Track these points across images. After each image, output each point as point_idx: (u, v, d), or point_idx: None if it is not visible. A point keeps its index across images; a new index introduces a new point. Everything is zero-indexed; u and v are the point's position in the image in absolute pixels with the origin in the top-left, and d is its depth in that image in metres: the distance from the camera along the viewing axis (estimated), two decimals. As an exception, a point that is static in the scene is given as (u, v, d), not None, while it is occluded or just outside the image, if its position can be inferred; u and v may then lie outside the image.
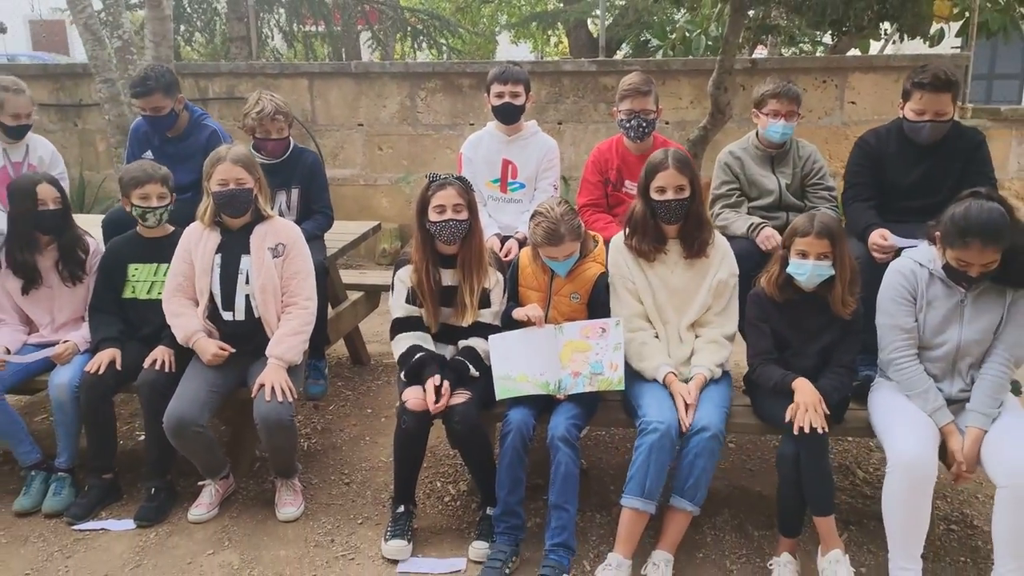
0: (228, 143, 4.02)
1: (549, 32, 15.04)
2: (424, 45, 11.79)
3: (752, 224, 3.46)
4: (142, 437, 3.90)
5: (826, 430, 2.68)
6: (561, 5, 14.07)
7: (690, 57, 7.87)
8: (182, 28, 11.17)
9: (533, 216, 3.00)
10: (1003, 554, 2.56)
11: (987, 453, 2.65)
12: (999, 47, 11.64)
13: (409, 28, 11.54)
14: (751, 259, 3.27)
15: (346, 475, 3.58)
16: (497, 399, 2.95)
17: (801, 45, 10.16)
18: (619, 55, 11.35)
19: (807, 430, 2.65)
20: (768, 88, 3.56)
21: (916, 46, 7.75)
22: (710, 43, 8.54)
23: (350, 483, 3.52)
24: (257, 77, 7.43)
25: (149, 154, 3.92)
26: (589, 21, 11.95)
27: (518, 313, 3.06)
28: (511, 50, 18.47)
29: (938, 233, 2.69)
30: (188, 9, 11.19)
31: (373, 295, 4.91)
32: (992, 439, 2.66)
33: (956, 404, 2.79)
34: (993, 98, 15.37)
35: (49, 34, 23.52)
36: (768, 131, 3.55)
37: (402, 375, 3.05)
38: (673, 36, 9.27)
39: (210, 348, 3.19)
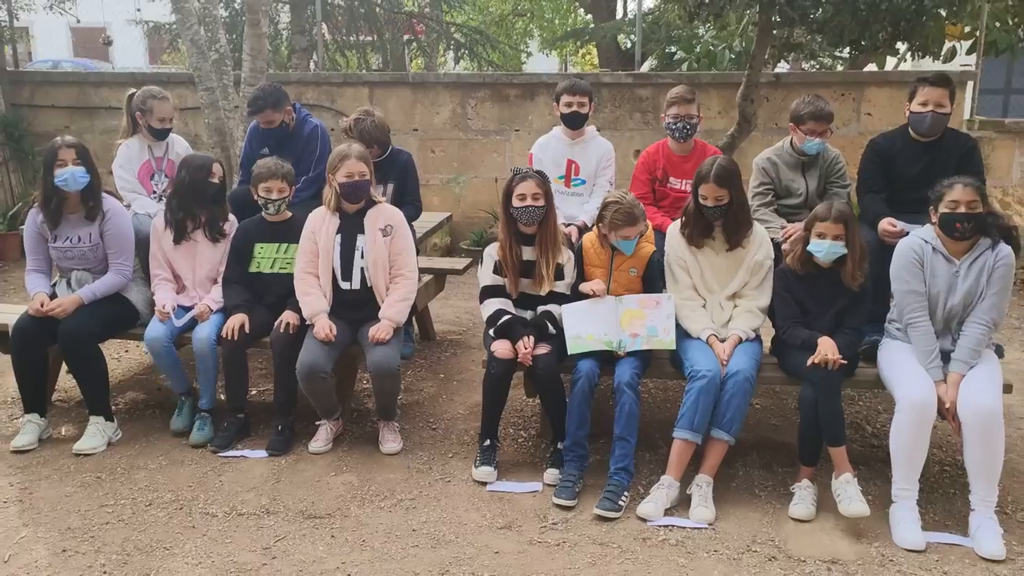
0: (325, 139, 4.74)
1: (579, 45, 15.77)
2: (466, 56, 12.54)
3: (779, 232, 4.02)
4: (254, 392, 4.60)
5: (840, 368, 3.29)
6: (590, 18, 14.79)
7: (715, 71, 8.49)
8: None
9: (609, 205, 3.63)
10: (974, 478, 3.19)
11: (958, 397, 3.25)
12: (1016, 63, 12.20)
13: (452, 41, 12.28)
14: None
15: (431, 423, 4.25)
16: (569, 354, 3.59)
17: (821, 59, 10.77)
18: (644, 67, 11.98)
19: (830, 363, 3.26)
20: (806, 109, 4.01)
21: (929, 63, 8.30)
22: (733, 56, 9.18)
23: (436, 429, 4.18)
24: (323, 86, 8.13)
25: (266, 150, 4.59)
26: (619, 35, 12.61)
27: (584, 287, 3.72)
28: (542, 61, 19.26)
29: (932, 207, 3.35)
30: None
31: (441, 278, 5.57)
32: (962, 385, 3.27)
33: (947, 358, 3.39)
34: (1010, 112, 15.85)
35: (90, 41, 24.47)
36: (805, 147, 4.08)
37: (491, 332, 3.71)
38: (699, 50, 9.92)
39: (323, 327, 3.78)
